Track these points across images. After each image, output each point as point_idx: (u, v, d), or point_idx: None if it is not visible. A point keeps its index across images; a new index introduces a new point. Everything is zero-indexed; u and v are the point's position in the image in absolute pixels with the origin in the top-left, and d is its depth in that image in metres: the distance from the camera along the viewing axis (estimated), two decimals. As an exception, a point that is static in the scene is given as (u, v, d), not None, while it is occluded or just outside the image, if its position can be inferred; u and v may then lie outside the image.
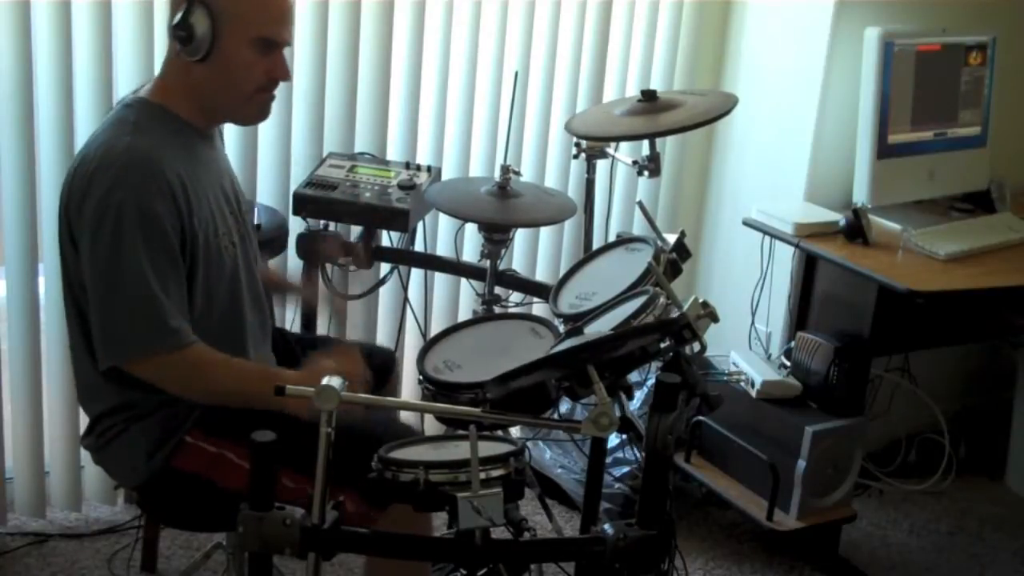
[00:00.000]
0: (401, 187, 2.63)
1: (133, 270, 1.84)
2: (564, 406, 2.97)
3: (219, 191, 2.04)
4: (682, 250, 2.15)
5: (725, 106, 2.34)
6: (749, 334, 3.20)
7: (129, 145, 1.87)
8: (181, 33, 1.90)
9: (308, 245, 2.70)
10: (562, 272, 2.30)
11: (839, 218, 2.87)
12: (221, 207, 2.03)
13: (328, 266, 2.79)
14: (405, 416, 3.04)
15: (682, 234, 2.17)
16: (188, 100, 1.97)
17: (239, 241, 2.06)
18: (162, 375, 1.90)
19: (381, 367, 2.36)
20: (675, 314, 1.72)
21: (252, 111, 2.04)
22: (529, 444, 3.09)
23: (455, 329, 2.17)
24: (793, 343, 2.91)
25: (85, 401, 2.09)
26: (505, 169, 2.50)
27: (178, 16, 1.90)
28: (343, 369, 1.89)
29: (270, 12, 1.94)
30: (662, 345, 1.71)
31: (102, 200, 1.84)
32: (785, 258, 3.03)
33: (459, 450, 1.66)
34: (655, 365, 2.56)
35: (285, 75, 1.99)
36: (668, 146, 3.34)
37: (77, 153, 1.96)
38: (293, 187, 2.70)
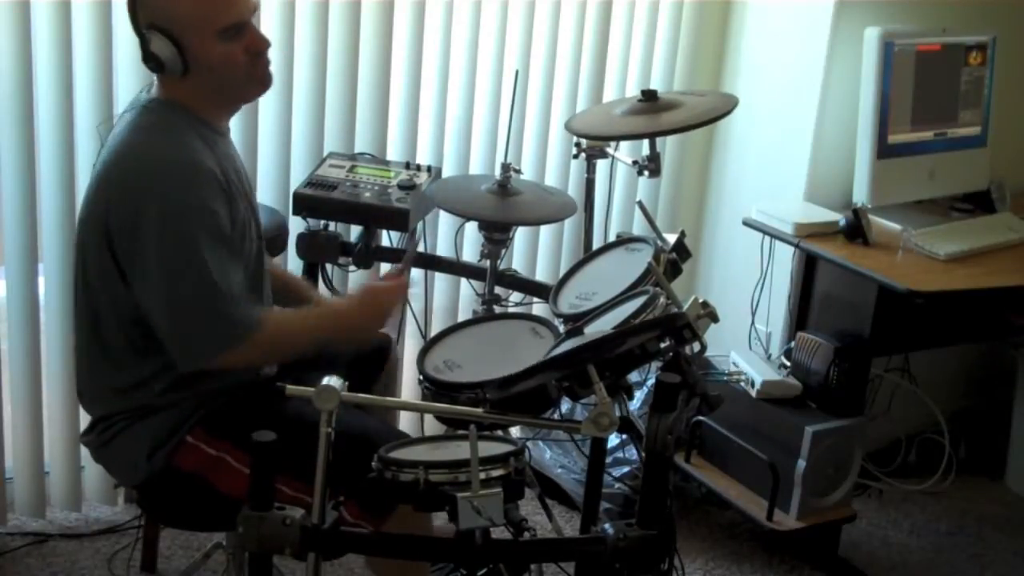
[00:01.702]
0: (401, 187, 2.63)
1: (203, 272, 1.85)
2: (564, 406, 2.96)
3: (240, 185, 2.04)
4: (682, 250, 2.15)
5: (725, 107, 2.35)
6: (749, 334, 3.20)
7: (168, 148, 1.88)
8: (152, 64, 1.93)
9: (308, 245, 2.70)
10: (562, 272, 2.31)
11: (839, 218, 2.87)
12: (243, 202, 2.03)
13: (328, 266, 2.79)
14: (404, 419, 3.05)
15: (682, 234, 2.17)
16: (192, 101, 1.98)
17: (255, 236, 2.07)
18: (246, 360, 1.95)
19: (377, 350, 2.36)
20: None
21: (254, 87, 2.04)
22: (529, 444, 3.09)
23: (455, 329, 2.17)
24: (793, 343, 2.91)
25: (87, 403, 2.09)
26: (505, 167, 2.50)
27: (141, 49, 1.91)
28: (390, 288, 2.08)
29: (218, 2, 1.93)
30: (662, 345, 1.71)
31: (162, 208, 1.84)
32: (785, 258, 3.03)
33: (459, 450, 1.66)
34: (655, 365, 2.56)
35: (263, 44, 1.99)
36: (668, 146, 3.34)
37: (107, 157, 1.94)
38: (293, 187, 2.70)
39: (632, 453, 3.00)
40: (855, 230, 2.82)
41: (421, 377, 1.98)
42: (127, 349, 1.97)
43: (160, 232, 1.84)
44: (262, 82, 2.03)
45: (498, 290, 2.60)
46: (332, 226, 2.75)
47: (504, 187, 2.49)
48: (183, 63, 1.90)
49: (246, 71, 1.96)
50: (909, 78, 2.95)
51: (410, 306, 2.99)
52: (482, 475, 1.54)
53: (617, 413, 1.59)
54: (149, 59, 1.91)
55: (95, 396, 2.05)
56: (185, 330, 1.88)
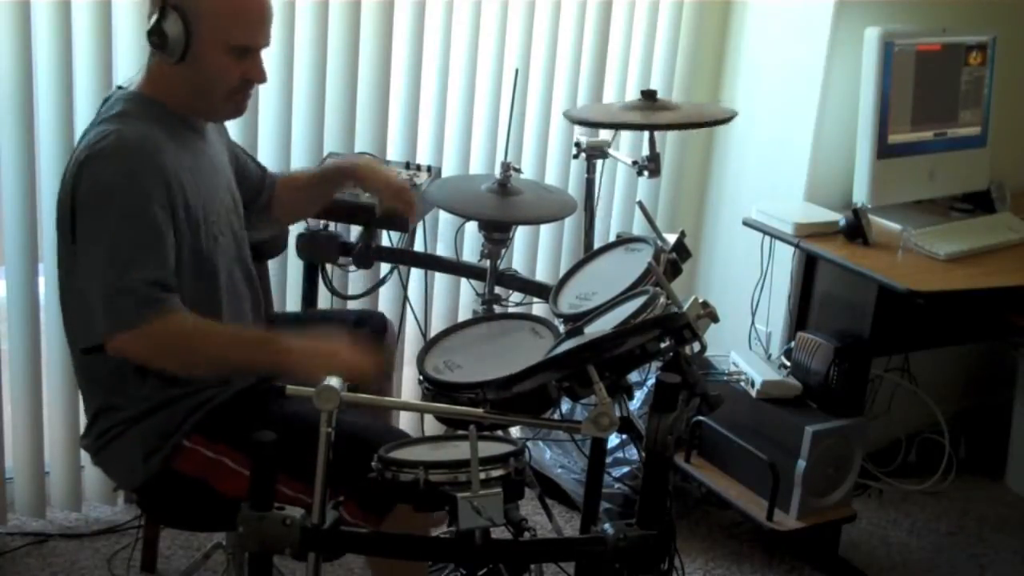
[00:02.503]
0: (401, 187, 2.62)
1: (115, 248, 1.83)
2: (564, 406, 2.97)
3: (211, 183, 2.04)
4: (682, 250, 2.14)
5: (724, 114, 2.35)
6: (749, 334, 3.20)
7: (121, 133, 1.88)
8: (155, 38, 1.91)
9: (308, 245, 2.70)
10: (562, 272, 2.30)
11: (839, 218, 2.87)
12: (213, 199, 2.03)
13: (328, 266, 2.79)
14: (404, 419, 3.05)
15: (682, 234, 2.17)
16: (171, 95, 1.98)
17: (229, 233, 2.06)
18: (140, 350, 1.85)
19: (376, 332, 2.36)
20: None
21: (228, 110, 2.04)
22: (529, 444, 3.09)
23: (455, 329, 2.17)
24: (793, 343, 2.91)
25: (85, 395, 2.08)
26: (506, 166, 2.50)
27: (152, 21, 1.91)
28: (351, 360, 1.87)
29: (246, 19, 1.94)
30: (662, 345, 1.71)
31: (95, 186, 1.85)
32: (785, 258, 3.03)
33: (459, 450, 1.66)
34: (655, 365, 2.56)
35: (261, 78, 1.99)
36: (668, 146, 3.34)
37: (74, 149, 1.96)
38: (293, 187, 2.70)
39: (632, 453, 3.00)
40: (855, 230, 2.82)
41: (421, 377, 1.98)
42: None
43: (91, 206, 1.84)
44: (236, 109, 2.04)
45: (498, 290, 2.60)
46: (332, 226, 2.75)
47: (504, 186, 2.49)
48: (183, 52, 1.90)
49: (229, 91, 1.97)
50: (909, 78, 2.95)
51: (410, 305, 2.99)
52: (482, 475, 1.53)
53: (617, 413, 1.59)
54: (156, 33, 1.90)
55: (84, 387, 2.06)
56: (87, 304, 1.85)
